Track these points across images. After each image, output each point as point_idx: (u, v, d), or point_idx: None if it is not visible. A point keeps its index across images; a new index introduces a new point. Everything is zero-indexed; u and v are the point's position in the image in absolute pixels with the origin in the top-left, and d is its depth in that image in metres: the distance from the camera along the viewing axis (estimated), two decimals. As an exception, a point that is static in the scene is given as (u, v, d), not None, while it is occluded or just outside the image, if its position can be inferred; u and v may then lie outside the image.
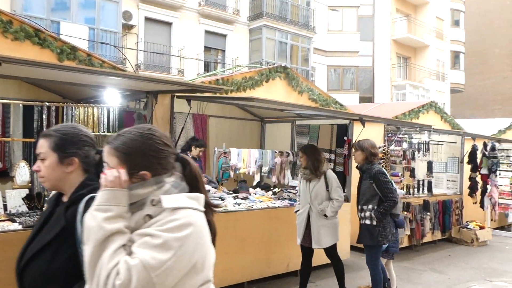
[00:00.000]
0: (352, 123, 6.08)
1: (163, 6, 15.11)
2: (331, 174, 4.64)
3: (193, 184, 1.39)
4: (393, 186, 4.46)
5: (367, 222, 4.41)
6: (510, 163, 9.78)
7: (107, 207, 1.22)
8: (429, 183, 7.95)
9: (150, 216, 1.24)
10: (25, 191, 4.08)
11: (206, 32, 16.33)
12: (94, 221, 1.20)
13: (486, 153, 8.52)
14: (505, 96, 30.12)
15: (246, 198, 5.52)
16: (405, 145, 7.75)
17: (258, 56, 17.20)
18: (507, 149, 9.90)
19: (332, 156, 6.94)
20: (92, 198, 1.34)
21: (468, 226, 8.23)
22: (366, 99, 21.56)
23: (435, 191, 8.17)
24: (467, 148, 8.58)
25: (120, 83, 4.07)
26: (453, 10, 27.14)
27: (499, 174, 9.06)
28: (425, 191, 7.90)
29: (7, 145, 5.04)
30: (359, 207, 4.56)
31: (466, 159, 8.61)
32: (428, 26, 24.76)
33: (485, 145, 8.61)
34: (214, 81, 5.40)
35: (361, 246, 4.69)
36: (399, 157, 7.15)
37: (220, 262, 4.62)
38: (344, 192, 6.13)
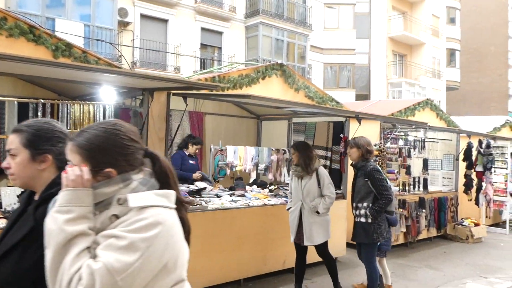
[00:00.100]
0: (349, 121, 6.09)
1: (159, 3, 15.05)
2: (322, 171, 4.64)
3: (163, 181, 1.32)
4: (387, 183, 4.48)
5: (362, 220, 4.41)
6: (504, 161, 9.82)
7: (68, 208, 1.15)
8: (425, 180, 7.99)
9: (117, 216, 1.17)
10: (20, 189, 4.06)
11: (202, 29, 16.28)
12: (55, 223, 1.13)
13: (481, 150, 8.57)
14: (501, 94, 30.32)
15: (243, 195, 5.53)
16: (401, 143, 7.77)
17: (254, 53, 17.18)
18: (502, 147, 9.94)
19: (329, 154, 6.97)
20: None
21: (463, 223, 8.29)
22: (362, 96, 21.60)
23: (430, 188, 8.20)
24: (463, 145, 8.62)
25: (116, 80, 4.05)
26: (449, 8, 27.23)
27: (494, 172, 9.11)
28: (421, 188, 7.92)
29: (1, 143, 5.02)
30: (354, 204, 4.56)
31: (461, 156, 8.66)
32: (424, 23, 24.84)
33: (480, 142, 8.65)
34: (210, 79, 5.39)
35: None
36: (395, 154, 7.18)
37: (216, 259, 4.66)
38: (340, 189, 6.17)
